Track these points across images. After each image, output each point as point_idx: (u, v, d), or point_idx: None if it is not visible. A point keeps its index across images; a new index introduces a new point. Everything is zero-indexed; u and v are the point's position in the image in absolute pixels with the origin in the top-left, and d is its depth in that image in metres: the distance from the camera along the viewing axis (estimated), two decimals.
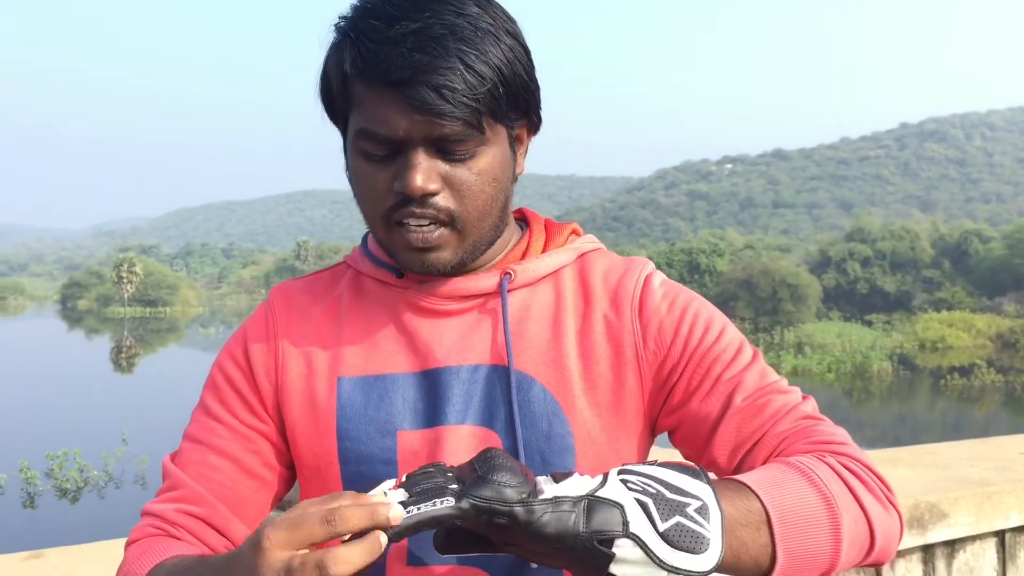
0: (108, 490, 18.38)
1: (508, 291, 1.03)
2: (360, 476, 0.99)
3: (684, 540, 0.75)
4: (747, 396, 1.00)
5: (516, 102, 0.97)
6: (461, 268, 1.02)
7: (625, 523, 0.75)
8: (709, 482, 0.80)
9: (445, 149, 0.94)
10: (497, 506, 0.75)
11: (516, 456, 0.98)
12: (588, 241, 1.11)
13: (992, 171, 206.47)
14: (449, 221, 0.96)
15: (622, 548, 0.75)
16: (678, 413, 1.03)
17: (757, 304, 55.88)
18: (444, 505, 0.75)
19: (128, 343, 59.05)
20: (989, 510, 2.66)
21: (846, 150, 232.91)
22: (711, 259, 67.17)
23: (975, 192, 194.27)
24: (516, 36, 0.97)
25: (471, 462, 0.80)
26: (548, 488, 0.78)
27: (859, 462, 0.93)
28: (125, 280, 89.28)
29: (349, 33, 0.94)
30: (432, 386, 1.00)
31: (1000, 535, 2.78)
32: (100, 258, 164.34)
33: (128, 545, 1.02)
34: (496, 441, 0.99)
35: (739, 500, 0.83)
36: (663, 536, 0.75)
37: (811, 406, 1.01)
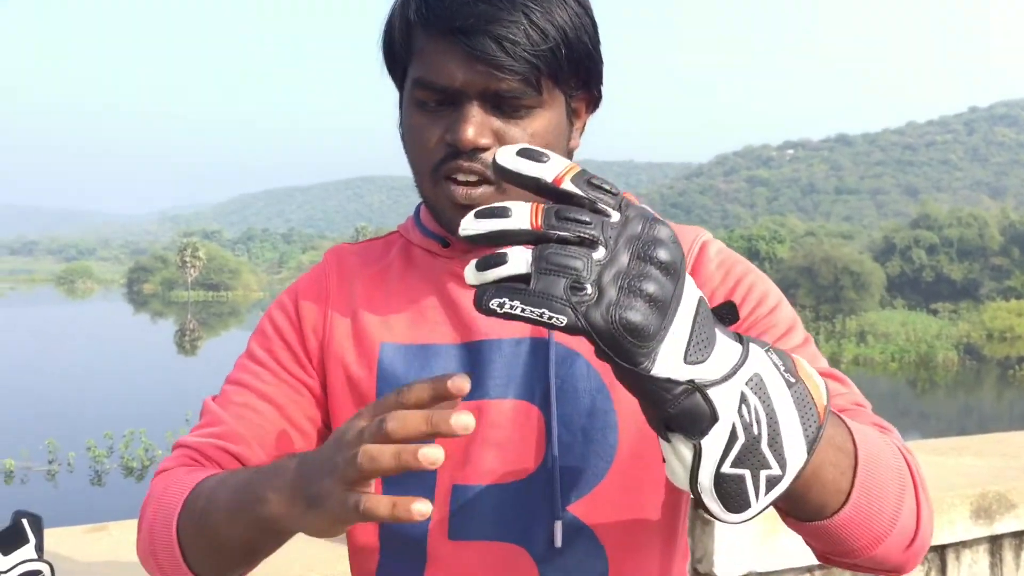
0: None
1: None
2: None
3: (731, 494, 0.68)
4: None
5: (577, 69, 0.95)
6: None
7: (701, 431, 0.66)
8: (811, 451, 0.70)
9: (500, 105, 0.92)
10: (618, 359, 0.62)
11: (549, 432, 0.95)
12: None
13: None
14: (496, 181, 0.94)
15: (678, 443, 0.67)
16: None
17: (818, 292, 54.95)
18: (550, 320, 0.61)
19: (191, 326, 60.30)
20: None
21: (912, 135, 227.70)
22: (771, 246, 66.25)
23: None
24: (584, 5, 0.96)
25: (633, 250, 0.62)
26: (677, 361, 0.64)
27: (914, 458, 0.89)
28: (189, 264, 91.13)
29: None
30: (474, 358, 0.98)
31: None
32: (165, 243, 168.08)
33: (157, 474, 1.00)
34: (536, 415, 0.96)
35: (837, 437, 0.77)
36: (718, 475, 0.67)
37: (859, 394, 0.98)
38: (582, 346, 0.97)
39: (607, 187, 0.64)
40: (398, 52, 0.97)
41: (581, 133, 1.03)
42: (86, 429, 20.11)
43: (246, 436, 0.99)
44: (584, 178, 0.63)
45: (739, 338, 0.68)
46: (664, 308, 0.62)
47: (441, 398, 0.70)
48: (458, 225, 0.83)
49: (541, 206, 0.62)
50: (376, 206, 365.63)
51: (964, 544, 2.46)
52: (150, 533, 0.93)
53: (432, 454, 0.66)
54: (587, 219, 0.62)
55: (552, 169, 0.63)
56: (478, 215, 0.63)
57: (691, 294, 0.64)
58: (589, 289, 0.60)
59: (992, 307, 53.27)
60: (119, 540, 1.82)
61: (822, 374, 0.89)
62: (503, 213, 0.62)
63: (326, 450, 0.74)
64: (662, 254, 0.62)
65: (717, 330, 0.66)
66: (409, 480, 0.93)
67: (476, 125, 0.91)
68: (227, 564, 0.89)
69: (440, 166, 0.94)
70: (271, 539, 0.84)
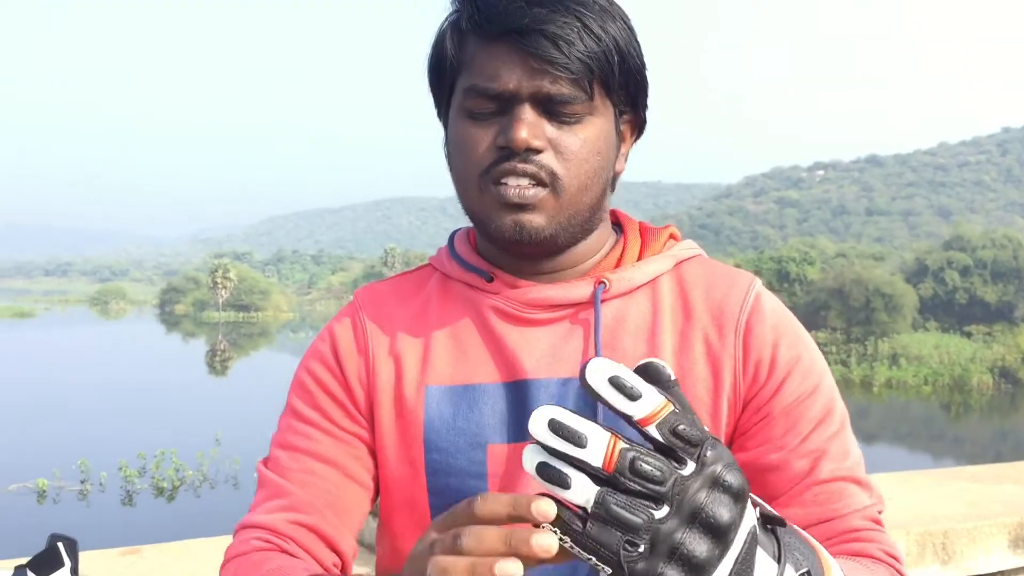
0: (203, 489, 18.94)
1: (602, 301, 0.98)
2: (448, 488, 0.96)
3: None
4: (833, 470, 0.94)
5: (627, 83, 0.95)
6: (552, 246, 0.97)
7: None
8: None
9: (552, 110, 0.91)
10: None
11: None
12: (687, 247, 1.05)
13: None
14: (550, 182, 0.92)
15: None
16: (752, 452, 0.96)
17: (850, 314, 54.40)
18: (596, 565, 0.61)
19: (222, 347, 60.81)
20: None
21: (944, 155, 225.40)
22: (801, 267, 65.69)
23: None
24: (632, 28, 0.96)
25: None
26: None
27: None
28: (220, 286, 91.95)
29: None
30: (520, 398, 0.96)
31: None
32: (196, 264, 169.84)
33: (227, 561, 0.95)
34: None
35: None
36: None
37: (881, 507, 0.96)
38: None
39: (691, 435, 0.61)
40: (448, 67, 0.95)
41: (626, 159, 1.02)
42: (118, 449, 20.29)
43: (315, 504, 0.97)
44: (670, 425, 0.61)
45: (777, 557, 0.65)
46: (709, 570, 0.61)
47: (519, 520, 0.64)
48: (508, 229, 0.91)
49: (618, 444, 0.60)
50: (405, 227, 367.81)
51: (1003, 574, 2.42)
52: None
53: (544, 543, 0.61)
54: (660, 473, 0.60)
55: (641, 409, 0.61)
56: (553, 428, 0.60)
57: (737, 544, 0.62)
58: (641, 547, 0.60)
59: None
60: (153, 564, 1.83)
61: (854, 478, 0.93)
62: (579, 440, 0.59)
63: (405, 569, 0.71)
64: (721, 516, 0.60)
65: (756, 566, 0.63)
66: None
67: (529, 126, 0.90)
68: None
69: (490, 169, 0.92)
70: None
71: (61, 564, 1.58)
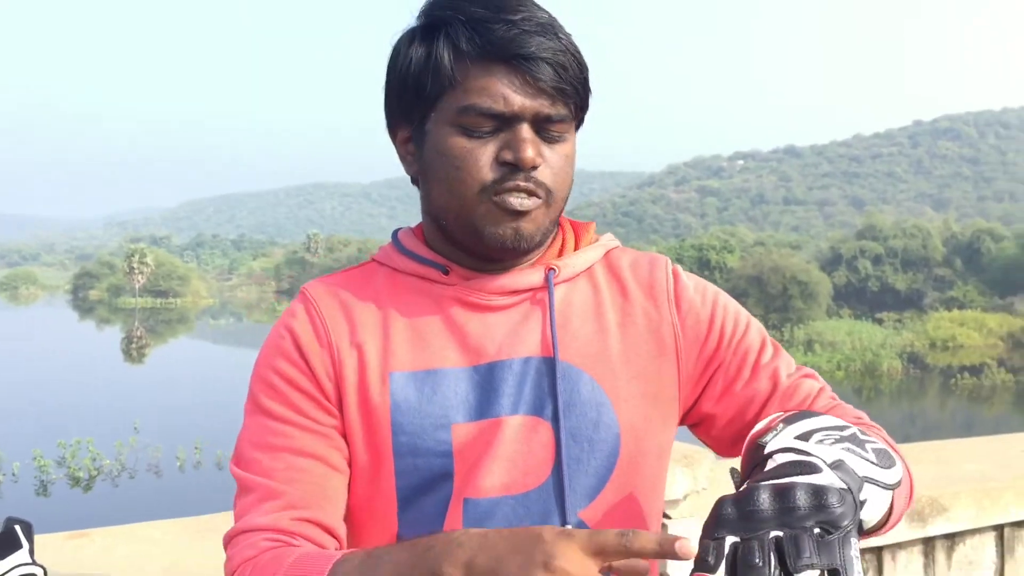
0: (122, 479, 18.57)
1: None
2: (414, 469, 1.02)
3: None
4: (788, 376, 1.11)
5: (586, 101, 1.05)
6: (526, 252, 1.06)
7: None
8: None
9: (543, 129, 1.01)
10: None
11: (559, 444, 1.02)
12: (610, 239, 1.17)
13: (1006, 170, 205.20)
14: (544, 195, 1.02)
15: None
16: (723, 400, 1.11)
17: (767, 301, 55.78)
18: None
19: (139, 333, 59.33)
20: (989, 505, 2.74)
21: (859, 147, 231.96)
22: (721, 255, 67.07)
23: (988, 191, 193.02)
24: None
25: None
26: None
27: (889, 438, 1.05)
28: (136, 271, 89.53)
29: (458, 17, 0.99)
30: (485, 380, 1.03)
31: (999, 529, 2.85)
32: (111, 248, 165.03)
33: (239, 565, 0.97)
34: (546, 428, 1.03)
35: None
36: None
37: (830, 389, 1.13)
38: (585, 364, 1.06)
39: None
40: (432, 85, 1.00)
41: None
42: (32, 439, 19.75)
43: (309, 498, 1.00)
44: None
45: None
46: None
47: (665, 555, 0.75)
48: (508, 238, 1.02)
49: None
50: (328, 213, 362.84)
51: (899, 545, 2.62)
52: None
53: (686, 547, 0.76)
54: None
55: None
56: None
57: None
58: None
59: (935, 317, 54.47)
60: (100, 546, 1.88)
61: (803, 374, 1.13)
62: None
63: (509, 544, 0.79)
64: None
65: None
66: (423, 498, 1.02)
67: (534, 145, 0.99)
68: None
69: (495, 184, 1.00)
70: None
71: (19, 545, 1.62)
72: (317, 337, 1.05)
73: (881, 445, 0.92)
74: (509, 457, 1.02)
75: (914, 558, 2.66)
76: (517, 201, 1.00)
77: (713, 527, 0.80)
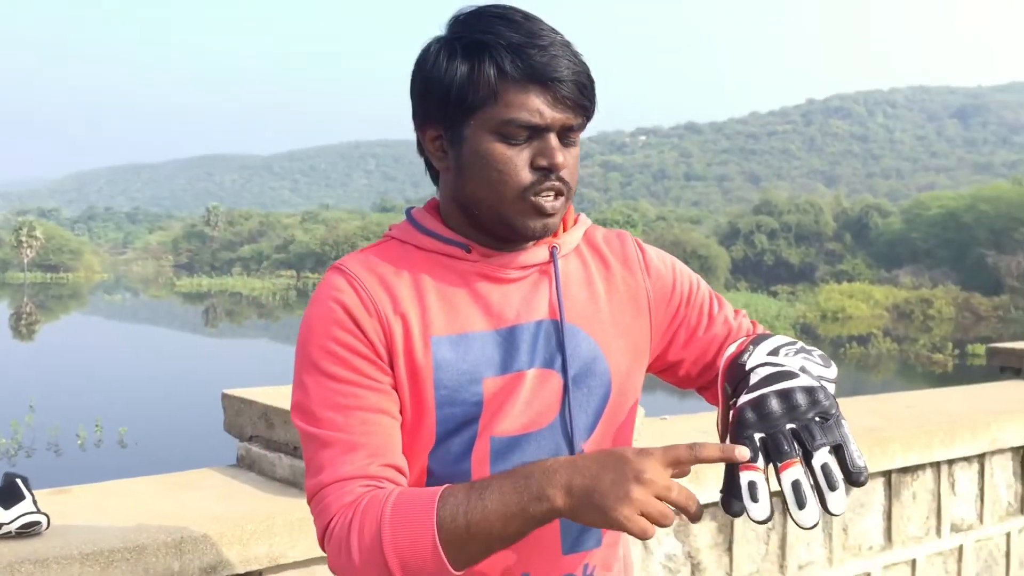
0: (19, 458, 18.04)
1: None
2: (451, 416, 1.21)
3: None
4: (734, 319, 1.42)
5: (594, 111, 1.24)
6: (544, 236, 1.27)
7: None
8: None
9: (564, 136, 1.20)
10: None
11: (567, 390, 1.25)
12: (584, 219, 1.39)
13: (892, 147, 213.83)
14: (566, 192, 1.22)
15: None
16: (689, 345, 1.38)
17: None
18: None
19: (28, 309, 57.08)
20: (879, 453, 3.07)
21: (755, 124, 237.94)
22: (624, 230, 68.18)
23: (876, 168, 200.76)
24: None
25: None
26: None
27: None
28: (25, 244, 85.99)
29: (500, 42, 1.17)
30: (507, 340, 1.23)
31: (887, 475, 3.19)
32: None
33: (344, 508, 1.12)
34: (556, 378, 1.24)
35: None
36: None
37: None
38: (584, 323, 1.28)
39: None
40: (475, 97, 1.17)
41: None
42: None
43: (384, 446, 1.17)
44: None
45: None
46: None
47: (726, 459, 1.04)
48: (538, 230, 1.23)
49: None
50: (228, 185, 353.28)
51: None
52: (398, 550, 1.08)
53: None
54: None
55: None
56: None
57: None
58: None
59: (826, 289, 56.67)
60: (83, 502, 2.01)
61: (740, 314, 1.44)
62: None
63: (598, 465, 1.03)
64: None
65: None
66: (453, 439, 1.21)
67: (561, 152, 1.19)
68: (494, 551, 1.10)
69: (533, 187, 1.19)
70: (539, 526, 1.07)
71: (23, 496, 1.75)
72: (365, 308, 1.20)
73: (819, 351, 1.22)
74: (528, 402, 1.23)
75: None
76: (549, 204, 1.21)
77: (742, 429, 1.08)
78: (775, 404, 1.09)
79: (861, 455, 1.08)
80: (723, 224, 75.80)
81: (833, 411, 1.10)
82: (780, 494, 1.06)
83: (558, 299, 1.26)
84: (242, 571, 1.89)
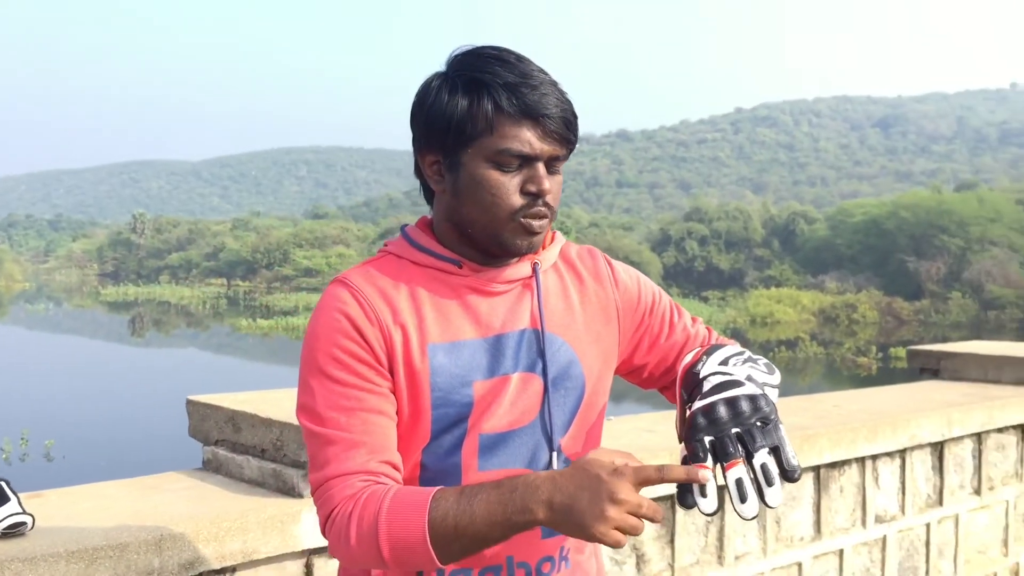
0: None
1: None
2: (444, 416, 1.34)
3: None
4: (692, 327, 1.58)
5: (576, 142, 1.40)
6: (529, 252, 1.41)
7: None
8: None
9: (550, 165, 1.34)
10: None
11: (547, 391, 1.39)
12: (560, 237, 1.53)
13: (817, 156, 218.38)
14: (550, 215, 1.36)
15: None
16: (652, 351, 1.54)
17: None
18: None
19: None
20: (808, 450, 3.25)
21: (685, 132, 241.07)
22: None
23: (802, 175, 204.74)
24: None
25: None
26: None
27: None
28: None
29: (497, 81, 1.30)
30: (495, 347, 1.37)
31: (816, 470, 3.38)
32: None
33: (345, 500, 1.25)
34: (537, 381, 1.39)
35: None
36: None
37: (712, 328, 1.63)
38: (562, 332, 1.42)
39: None
40: (473, 129, 1.31)
41: None
42: None
43: (382, 445, 1.30)
44: None
45: None
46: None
47: (691, 480, 1.18)
48: (524, 247, 1.36)
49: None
50: (155, 192, 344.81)
51: None
52: (391, 541, 1.20)
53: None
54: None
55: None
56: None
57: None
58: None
59: (755, 295, 57.69)
60: (58, 505, 2.08)
61: (697, 321, 1.61)
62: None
63: (575, 483, 1.15)
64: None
65: None
66: (444, 436, 1.34)
67: (548, 180, 1.33)
68: (475, 552, 1.23)
69: (522, 210, 1.33)
70: (520, 532, 1.20)
71: (8, 499, 1.82)
72: (368, 318, 1.32)
73: (764, 360, 1.42)
74: (512, 402, 1.36)
75: None
76: (536, 224, 1.34)
77: (695, 433, 1.26)
78: (723, 411, 1.27)
79: (795, 456, 1.25)
80: (655, 231, 76.76)
81: (772, 416, 1.27)
82: (723, 489, 1.16)
83: (539, 310, 1.40)
84: (218, 567, 1.99)
